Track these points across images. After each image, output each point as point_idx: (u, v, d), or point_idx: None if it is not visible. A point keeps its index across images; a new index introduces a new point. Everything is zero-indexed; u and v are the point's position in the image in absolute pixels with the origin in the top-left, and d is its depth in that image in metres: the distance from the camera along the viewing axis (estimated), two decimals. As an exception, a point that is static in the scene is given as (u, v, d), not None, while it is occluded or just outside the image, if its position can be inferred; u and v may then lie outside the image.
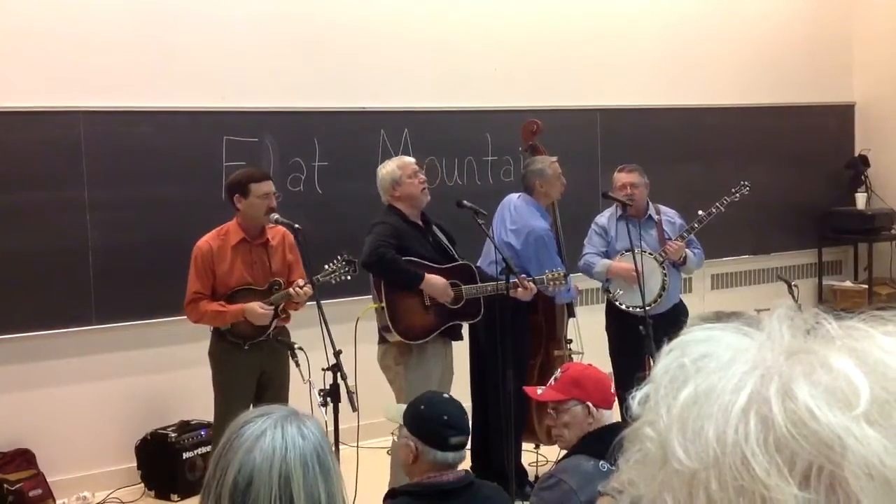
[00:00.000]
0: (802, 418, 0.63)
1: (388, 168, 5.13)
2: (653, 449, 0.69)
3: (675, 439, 0.67)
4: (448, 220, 5.30)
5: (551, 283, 5.23)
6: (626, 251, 5.51)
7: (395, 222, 4.99)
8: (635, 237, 5.47)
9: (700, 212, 5.84)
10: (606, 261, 5.75)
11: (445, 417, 3.03)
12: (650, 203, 5.87)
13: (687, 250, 5.77)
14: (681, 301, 5.89)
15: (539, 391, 3.44)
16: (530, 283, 5.13)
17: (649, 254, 5.67)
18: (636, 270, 5.32)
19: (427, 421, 3.04)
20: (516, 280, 4.98)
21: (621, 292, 5.70)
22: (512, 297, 4.97)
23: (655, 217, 5.84)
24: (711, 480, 0.64)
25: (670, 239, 5.74)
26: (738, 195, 6.06)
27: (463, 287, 5.05)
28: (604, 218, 5.90)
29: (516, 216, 5.54)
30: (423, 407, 3.10)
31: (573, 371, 3.41)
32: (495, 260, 5.03)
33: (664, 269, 5.68)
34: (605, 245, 5.82)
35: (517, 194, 5.69)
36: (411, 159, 5.23)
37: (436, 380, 4.93)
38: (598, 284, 6.31)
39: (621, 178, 5.79)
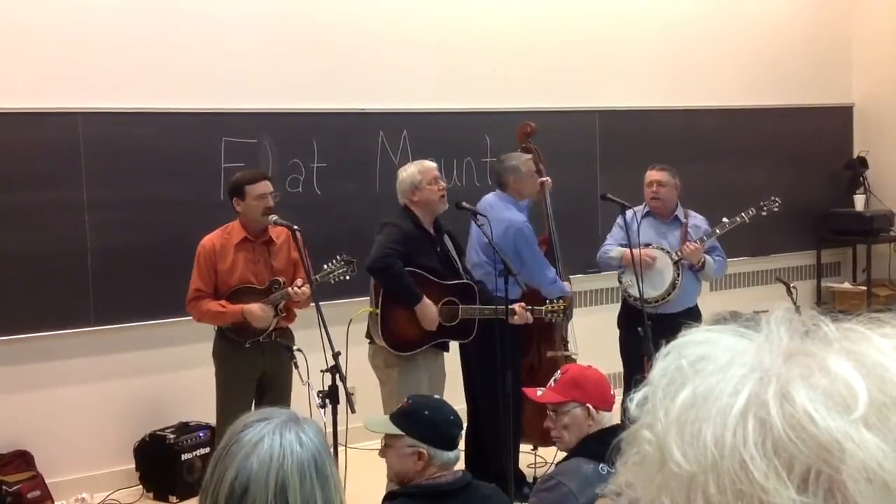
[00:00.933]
0: (801, 422, 0.63)
1: (410, 171, 5.09)
2: (651, 451, 0.69)
3: (673, 442, 0.66)
4: (446, 220, 5.29)
5: (550, 314, 5.20)
6: (646, 246, 5.53)
7: (406, 227, 4.97)
8: (646, 235, 5.49)
9: (724, 219, 5.86)
10: (622, 248, 5.76)
11: (452, 417, 3.07)
12: (680, 206, 5.88)
13: (707, 256, 5.77)
14: (696, 306, 5.87)
15: (539, 392, 3.42)
16: (528, 311, 5.11)
17: (665, 251, 5.68)
18: (634, 261, 5.32)
19: (438, 425, 3.05)
20: (513, 307, 4.97)
21: (631, 283, 5.71)
22: (510, 322, 4.95)
23: (682, 220, 5.85)
24: (710, 484, 0.64)
25: (691, 241, 5.74)
26: (766, 210, 6.06)
27: (460, 306, 5.03)
28: (629, 213, 5.90)
29: (491, 212, 5.51)
30: (427, 412, 3.10)
31: (573, 372, 3.40)
32: (482, 262, 5.03)
33: (678, 268, 5.68)
34: (625, 239, 5.83)
35: (491, 193, 5.67)
36: (433, 164, 5.17)
37: (425, 384, 4.92)
38: (596, 286, 6.32)
39: (651, 175, 5.84)
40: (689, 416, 0.67)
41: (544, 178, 5.85)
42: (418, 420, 3.06)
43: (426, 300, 4.91)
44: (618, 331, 5.92)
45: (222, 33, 6.19)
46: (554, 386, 3.33)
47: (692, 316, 5.73)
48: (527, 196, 5.67)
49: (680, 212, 5.87)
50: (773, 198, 6.10)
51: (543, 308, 5.17)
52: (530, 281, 5.34)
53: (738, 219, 5.89)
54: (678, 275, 5.67)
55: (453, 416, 3.09)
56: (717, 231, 5.82)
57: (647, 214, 5.70)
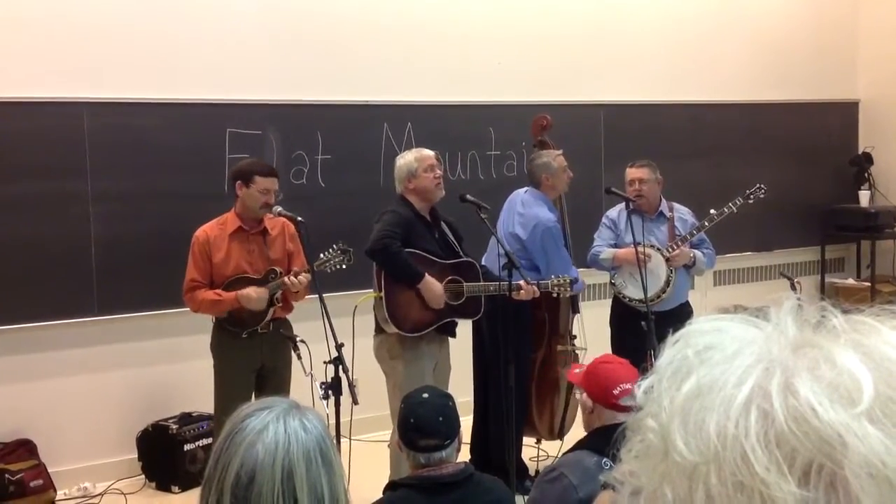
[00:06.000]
0: (804, 414, 0.63)
1: (407, 159, 5.09)
2: (654, 440, 0.68)
3: (677, 432, 0.66)
4: (451, 214, 5.29)
5: (556, 287, 5.20)
6: (636, 245, 5.51)
7: (403, 212, 4.98)
8: (643, 231, 5.46)
9: (712, 210, 5.80)
10: (612, 249, 5.75)
11: (412, 420, 3.07)
12: (664, 200, 5.85)
13: (696, 251, 5.74)
14: (688, 301, 5.86)
15: (576, 371, 3.44)
16: (534, 285, 5.11)
17: (657, 249, 5.66)
18: (638, 257, 5.31)
19: (400, 422, 3.13)
20: (519, 283, 4.97)
21: (625, 284, 5.71)
22: (515, 298, 4.96)
23: (668, 214, 5.82)
24: (711, 475, 0.64)
25: (680, 236, 5.72)
26: (752, 198, 5.98)
27: (465, 284, 5.03)
28: (614, 212, 5.89)
29: (524, 209, 5.55)
30: (402, 405, 3.18)
31: (595, 360, 3.42)
32: (498, 253, 5.02)
33: (671, 265, 5.67)
34: (614, 238, 5.82)
35: (524, 189, 5.69)
36: (430, 152, 5.15)
37: (429, 375, 4.91)
38: (603, 280, 6.30)
39: (631, 172, 5.78)
40: (693, 405, 0.67)
41: None
42: (400, 423, 3.17)
43: (429, 277, 4.90)
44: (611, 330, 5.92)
45: (227, 25, 6.19)
46: (584, 368, 3.39)
47: (685, 311, 5.72)
48: (560, 191, 5.70)
49: (664, 206, 5.83)
50: (758, 185, 6.02)
51: (549, 281, 5.18)
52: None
53: (725, 209, 5.81)
54: (671, 271, 5.66)
55: (415, 419, 3.06)
56: (706, 224, 5.77)
57: (632, 212, 5.64)
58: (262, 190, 4.95)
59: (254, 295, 4.90)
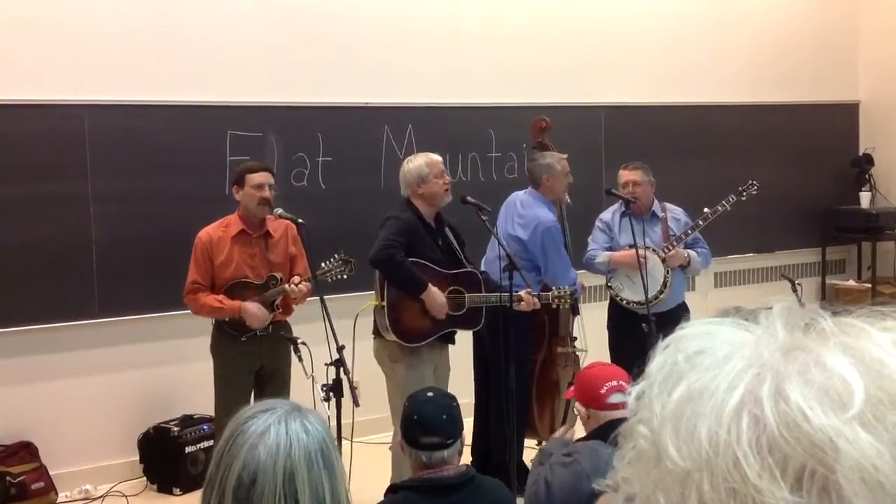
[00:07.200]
0: (795, 420, 0.62)
1: (416, 163, 5.08)
2: (647, 447, 0.68)
3: (669, 438, 0.66)
4: (451, 215, 5.29)
5: (556, 300, 5.20)
6: (630, 247, 5.50)
7: (408, 219, 4.96)
8: (638, 233, 5.46)
9: (706, 209, 5.81)
10: (608, 252, 5.75)
11: (415, 417, 3.07)
12: (656, 200, 5.86)
13: (690, 251, 5.75)
14: (684, 302, 5.86)
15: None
16: (535, 297, 5.10)
17: (653, 250, 5.66)
18: (639, 259, 5.31)
19: (403, 419, 3.14)
20: (520, 294, 4.97)
21: (622, 286, 5.71)
22: (516, 309, 4.95)
23: (660, 214, 5.82)
24: (704, 481, 0.64)
25: (674, 236, 5.73)
26: (745, 195, 5.99)
27: (466, 295, 5.03)
28: (608, 214, 5.89)
29: (523, 210, 5.54)
30: (406, 404, 3.19)
31: (580, 371, 3.49)
32: (499, 255, 5.02)
33: (666, 265, 5.68)
34: (608, 241, 5.82)
35: (522, 191, 5.69)
36: (439, 158, 5.16)
37: (429, 378, 4.92)
38: (603, 281, 6.31)
39: (625, 175, 5.78)
40: (684, 411, 0.66)
41: None
42: (403, 421, 3.18)
43: (432, 287, 4.90)
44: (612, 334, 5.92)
45: (228, 27, 6.19)
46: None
47: (682, 312, 5.72)
48: (557, 194, 5.69)
49: (657, 206, 5.84)
50: (751, 181, 6.03)
51: (550, 294, 5.18)
52: (552, 280, 5.36)
53: (719, 207, 5.81)
54: (668, 272, 5.66)
55: (419, 416, 3.07)
56: (700, 223, 5.78)
57: (625, 213, 5.64)
58: (254, 186, 4.96)
59: (256, 313, 4.91)
